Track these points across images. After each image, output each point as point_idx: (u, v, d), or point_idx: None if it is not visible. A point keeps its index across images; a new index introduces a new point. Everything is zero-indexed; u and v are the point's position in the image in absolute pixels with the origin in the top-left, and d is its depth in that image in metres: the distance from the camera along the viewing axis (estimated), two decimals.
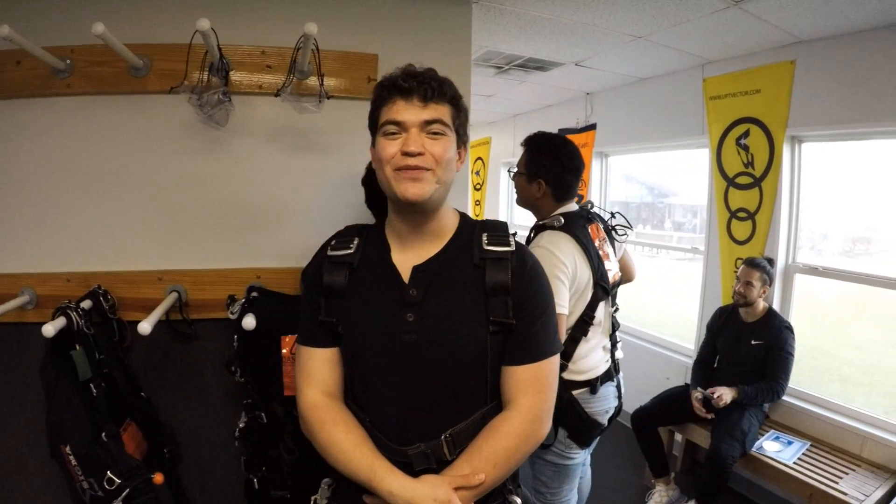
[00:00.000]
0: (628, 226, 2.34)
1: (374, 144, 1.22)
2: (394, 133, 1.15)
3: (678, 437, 3.58)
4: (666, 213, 6.11)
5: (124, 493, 1.73)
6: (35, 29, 1.99)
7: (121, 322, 2.09)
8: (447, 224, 1.26)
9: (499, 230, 1.26)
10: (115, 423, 1.88)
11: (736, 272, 3.28)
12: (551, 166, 2.09)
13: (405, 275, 1.21)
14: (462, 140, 1.24)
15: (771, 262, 3.24)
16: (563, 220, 2.03)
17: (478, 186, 7.14)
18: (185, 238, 2.22)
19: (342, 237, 1.33)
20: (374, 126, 1.21)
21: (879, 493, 2.60)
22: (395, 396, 1.18)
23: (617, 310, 2.26)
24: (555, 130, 5.08)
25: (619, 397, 2.21)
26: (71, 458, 1.72)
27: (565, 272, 1.92)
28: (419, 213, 1.20)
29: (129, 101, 2.14)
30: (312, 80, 2.20)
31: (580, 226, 2.06)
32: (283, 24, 2.21)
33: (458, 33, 2.64)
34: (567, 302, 1.94)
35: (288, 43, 2.09)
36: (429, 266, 1.21)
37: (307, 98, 2.08)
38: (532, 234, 2.12)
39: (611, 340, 2.19)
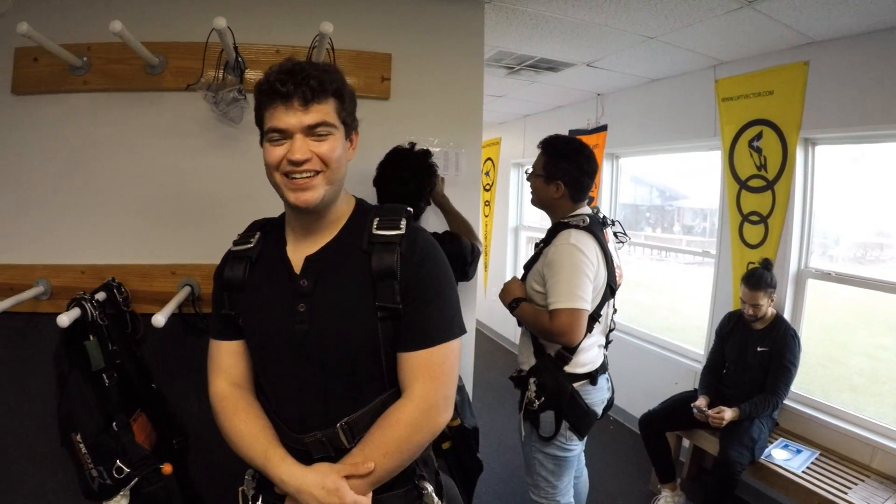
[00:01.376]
0: (625, 234, 2.48)
1: (261, 144, 1.19)
2: (278, 140, 1.13)
3: (686, 442, 3.55)
4: (675, 216, 6.07)
5: (133, 482, 1.76)
6: (53, 26, 2.03)
7: (133, 314, 2.13)
8: (340, 213, 1.25)
9: (390, 213, 1.24)
10: (126, 413, 1.92)
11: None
12: (570, 169, 2.16)
13: (297, 266, 1.21)
14: (351, 127, 1.23)
15: (769, 266, 3.22)
16: (587, 221, 2.12)
17: (488, 187, 7.14)
18: (199, 232, 2.25)
19: (245, 232, 1.34)
20: (261, 129, 1.19)
21: None
22: (293, 386, 1.20)
23: (616, 311, 2.35)
24: (565, 131, 5.13)
25: (612, 389, 2.32)
26: (81, 446, 1.75)
27: (592, 269, 2.03)
28: (312, 213, 1.19)
29: (144, 98, 2.17)
30: None
31: (599, 228, 2.16)
32: (298, 24, 2.25)
33: (471, 33, 2.67)
34: (590, 297, 2.03)
35: (303, 42, 2.12)
36: (319, 256, 1.21)
37: None
38: (554, 232, 2.17)
39: (606, 338, 2.30)
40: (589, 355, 2.16)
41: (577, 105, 5.27)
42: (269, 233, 1.31)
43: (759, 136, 3.41)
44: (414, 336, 1.17)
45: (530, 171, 2.28)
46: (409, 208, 1.27)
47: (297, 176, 1.13)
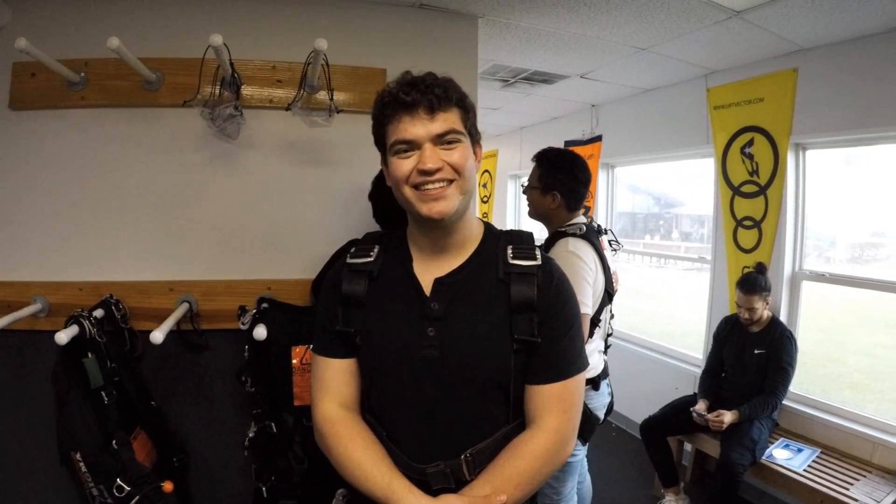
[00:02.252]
0: (618, 242, 2.55)
1: (384, 162, 1.17)
2: (405, 151, 1.10)
3: (688, 446, 3.56)
4: (673, 224, 6.11)
5: (133, 501, 1.74)
6: (50, 42, 2.04)
7: (132, 331, 2.12)
8: (471, 235, 1.22)
9: (524, 242, 1.21)
10: (126, 431, 1.90)
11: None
12: (565, 179, 2.24)
13: (426, 287, 1.16)
14: (475, 140, 1.19)
15: (763, 269, 3.25)
16: (584, 229, 2.19)
17: (485, 199, 7.17)
18: (196, 249, 2.26)
19: (362, 244, 1.27)
20: (382, 144, 1.15)
21: (890, 499, 2.58)
22: (414, 413, 1.14)
23: (613, 316, 2.40)
24: (561, 142, 5.18)
25: (612, 394, 2.37)
26: (81, 464, 1.74)
27: (591, 275, 2.09)
28: (442, 228, 1.15)
29: (141, 114, 2.19)
30: (322, 95, 2.25)
31: (595, 236, 2.23)
32: (294, 40, 2.27)
33: (465, 47, 2.70)
34: (591, 302, 2.09)
35: (298, 58, 2.14)
36: (451, 279, 1.16)
37: (317, 112, 2.14)
38: (552, 240, 2.23)
39: (605, 343, 2.35)
40: (591, 361, 2.14)
41: (572, 116, 5.31)
42: (389, 248, 1.25)
43: (750, 143, 3.44)
44: (549, 369, 1.14)
45: (526, 184, 2.34)
46: (534, 237, 1.26)
47: (430, 186, 1.09)
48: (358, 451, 1.12)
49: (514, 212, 6.87)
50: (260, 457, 2.05)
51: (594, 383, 2.21)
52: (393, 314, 1.17)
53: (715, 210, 3.80)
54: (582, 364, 1.19)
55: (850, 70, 2.93)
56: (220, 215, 2.28)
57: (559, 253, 2.11)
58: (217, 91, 2.10)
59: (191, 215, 2.25)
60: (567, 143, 5.19)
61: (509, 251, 1.18)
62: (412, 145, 1.09)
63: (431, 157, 1.08)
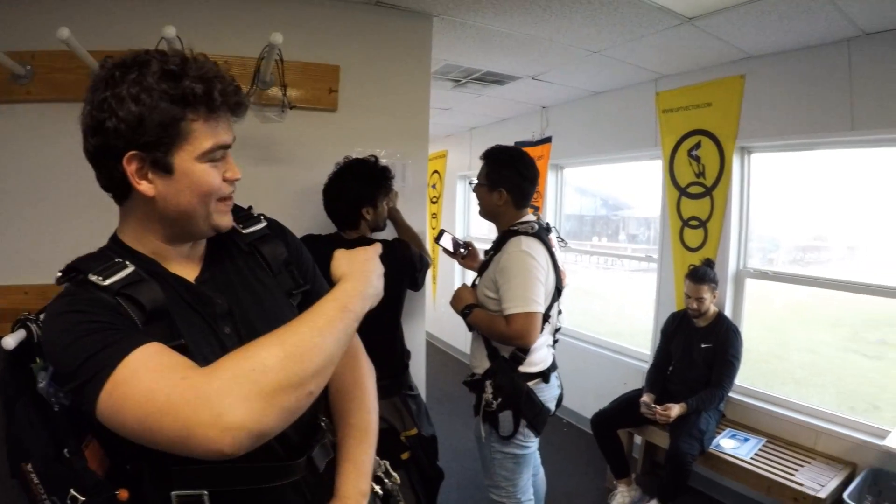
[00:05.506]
0: (563, 240, 2.64)
1: (168, 168, 0.93)
2: (221, 158, 0.99)
3: (638, 438, 3.66)
4: (620, 226, 6.27)
5: None
6: None
7: None
8: None
9: (239, 211, 1.16)
10: (77, 438, 1.81)
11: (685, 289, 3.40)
12: (511, 176, 2.26)
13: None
14: None
15: (710, 264, 3.39)
16: (536, 227, 2.22)
17: (434, 200, 7.17)
18: None
19: (103, 260, 0.99)
20: (173, 145, 0.92)
21: (834, 484, 2.72)
22: None
23: (561, 312, 2.46)
24: (511, 143, 5.19)
25: (561, 386, 2.43)
26: (33, 475, 1.63)
27: (543, 273, 2.14)
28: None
29: None
30: (275, 91, 2.22)
31: (545, 234, 2.27)
32: (247, 35, 2.22)
33: (419, 46, 2.72)
34: (543, 300, 2.14)
35: (251, 53, 2.11)
36: (210, 272, 1.07)
37: (269, 108, 2.13)
38: (503, 239, 2.24)
39: (553, 338, 2.41)
40: (540, 355, 2.26)
41: (522, 117, 5.38)
42: (124, 257, 1.00)
43: (697, 146, 3.58)
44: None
45: (475, 182, 2.37)
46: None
47: (230, 197, 1.03)
48: (269, 337, 0.86)
49: (463, 212, 6.91)
50: None
51: (544, 376, 2.27)
52: (186, 323, 0.99)
53: (662, 210, 3.94)
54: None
55: (795, 78, 3.09)
56: None
57: (512, 252, 2.14)
58: None
59: None
60: (517, 143, 5.20)
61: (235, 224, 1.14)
62: (224, 151, 0.99)
63: (234, 164, 1.02)
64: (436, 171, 7.14)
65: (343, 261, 1.05)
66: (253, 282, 1.10)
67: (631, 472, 3.41)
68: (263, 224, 1.17)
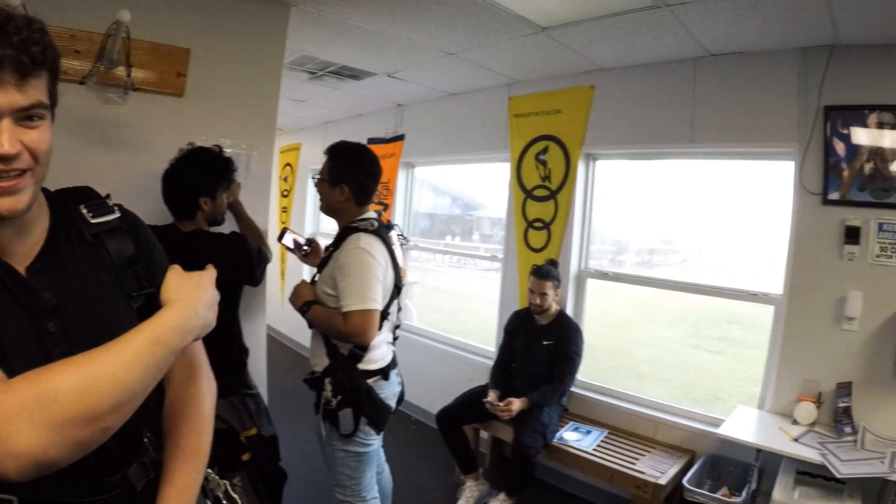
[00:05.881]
0: (405, 238, 2.66)
1: None
2: None
3: (484, 434, 3.75)
4: (474, 226, 6.43)
5: None
6: None
7: None
8: (39, 205, 0.96)
9: (94, 197, 1.06)
10: None
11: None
12: (353, 172, 2.24)
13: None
14: (54, 115, 0.91)
15: (555, 264, 3.54)
16: (375, 225, 2.22)
17: (285, 193, 6.88)
18: None
19: None
20: None
21: (674, 470, 2.93)
22: None
23: (401, 309, 2.47)
24: (365, 139, 5.16)
25: (402, 383, 2.45)
26: None
27: (381, 270, 2.15)
28: (9, 222, 0.88)
29: None
30: (121, 71, 2.05)
31: (385, 231, 2.28)
32: (96, 8, 2.04)
33: (274, 34, 2.68)
34: (380, 298, 2.15)
35: (99, 28, 1.95)
36: (44, 262, 0.94)
37: (113, 89, 1.99)
38: (343, 236, 2.23)
39: (393, 335, 2.42)
40: (380, 352, 2.26)
41: (377, 114, 5.32)
42: None
43: (545, 151, 3.75)
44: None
45: (318, 177, 2.33)
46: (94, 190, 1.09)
47: (3, 176, 0.82)
48: (69, 363, 0.79)
49: (315, 206, 6.68)
50: None
51: (384, 373, 2.27)
52: (3, 316, 0.88)
53: (508, 211, 4.07)
54: None
55: (643, 91, 3.32)
56: None
57: (350, 249, 2.13)
58: None
59: None
60: (370, 140, 5.21)
61: (84, 210, 1.02)
62: None
63: (11, 138, 0.80)
64: (288, 164, 6.89)
65: (173, 284, 0.98)
66: (90, 277, 0.98)
67: (479, 467, 3.48)
68: (116, 216, 1.05)
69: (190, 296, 0.95)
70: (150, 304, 1.00)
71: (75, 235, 1.00)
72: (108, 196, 1.09)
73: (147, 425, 1.05)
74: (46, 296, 0.91)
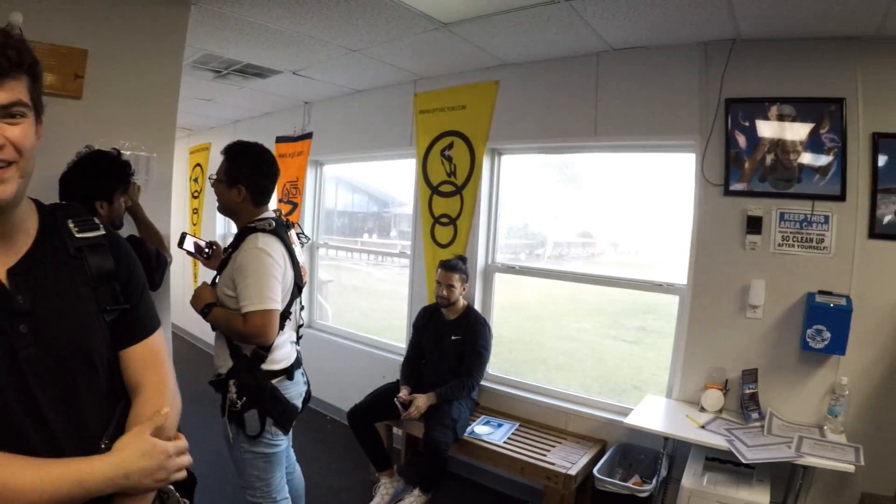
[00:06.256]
0: (306, 236, 2.69)
1: None
2: None
3: (397, 430, 3.74)
4: (392, 223, 6.41)
5: None
6: None
7: None
8: (29, 215, 1.08)
9: (82, 214, 1.16)
10: None
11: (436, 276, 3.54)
12: (250, 173, 2.23)
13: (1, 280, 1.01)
14: (40, 114, 1.04)
15: (464, 259, 3.58)
16: (273, 224, 2.21)
17: (196, 194, 6.64)
18: None
19: None
20: None
21: (584, 460, 3.00)
22: (31, 421, 0.97)
23: (303, 308, 2.48)
24: (273, 138, 5.07)
25: (307, 382, 2.46)
26: None
27: (280, 270, 2.14)
28: None
29: None
30: None
31: (284, 231, 2.28)
32: None
33: (173, 33, 2.65)
34: (279, 298, 2.14)
35: None
36: (26, 266, 1.02)
37: None
38: (241, 236, 2.21)
39: (297, 334, 2.42)
40: (283, 352, 2.26)
41: (285, 112, 5.23)
42: None
43: (450, 146, 3.77)
44: (137, 329, 1.15)
45: (214, 177, 2.30)
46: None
47: None
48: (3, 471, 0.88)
49: None
50: None
51: (288, 373, 2.26)
52: None
53: (415, 208, 4.08)
54: (157, 321, 1.24)
55: (547, 85, 3.38)
56: None
57: (248, 249, 2.13)
58: None
59: None
60: (279, 138, 5.14)
61: (71, 225, 1.13)
62: None
63: None
64: (198, 165, 6.66)
65: (128, 440, 1.02)
66: (68, 287, 1.07)
67: (393, 464, 3.47)
68: (100, 233, 1.14)
69: (131, 460, 0.99)
70: (124, 319, 1.13)
71: (60, 246, 1.08)
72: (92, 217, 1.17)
73: (108, 435, 1.07)
74: (20, 298, 0.99)
